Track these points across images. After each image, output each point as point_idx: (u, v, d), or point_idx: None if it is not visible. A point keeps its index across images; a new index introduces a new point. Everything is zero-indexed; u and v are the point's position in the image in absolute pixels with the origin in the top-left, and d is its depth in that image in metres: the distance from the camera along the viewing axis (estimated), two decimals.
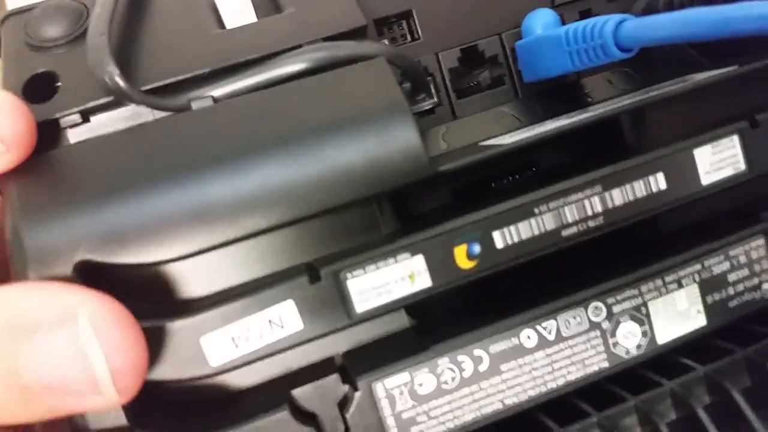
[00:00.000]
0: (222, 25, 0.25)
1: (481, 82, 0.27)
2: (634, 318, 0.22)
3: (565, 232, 0.21)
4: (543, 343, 0.21)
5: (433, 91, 0.27)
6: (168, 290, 0.20)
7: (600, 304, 0.22)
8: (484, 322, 0.21)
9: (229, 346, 0.20)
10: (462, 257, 0.21)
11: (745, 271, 0.23)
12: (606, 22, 0.22)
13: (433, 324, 0.22)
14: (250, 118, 0.21)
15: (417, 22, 0.27)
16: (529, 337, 0.21)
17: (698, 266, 0.22)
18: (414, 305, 0.21)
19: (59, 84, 0.23)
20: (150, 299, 0.20)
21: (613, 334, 0.22)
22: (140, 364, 0.18)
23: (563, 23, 0.27)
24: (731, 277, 0.23)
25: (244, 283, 0.21)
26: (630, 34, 0.22)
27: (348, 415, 0.20)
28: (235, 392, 0.21)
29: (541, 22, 0.26)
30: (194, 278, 0.21)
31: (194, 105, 0.22)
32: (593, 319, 0.22)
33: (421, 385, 0.21)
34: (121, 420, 0.19)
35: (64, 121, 0.22)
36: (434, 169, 0.21)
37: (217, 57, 0.23)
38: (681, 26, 0.20)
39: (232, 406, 0.21)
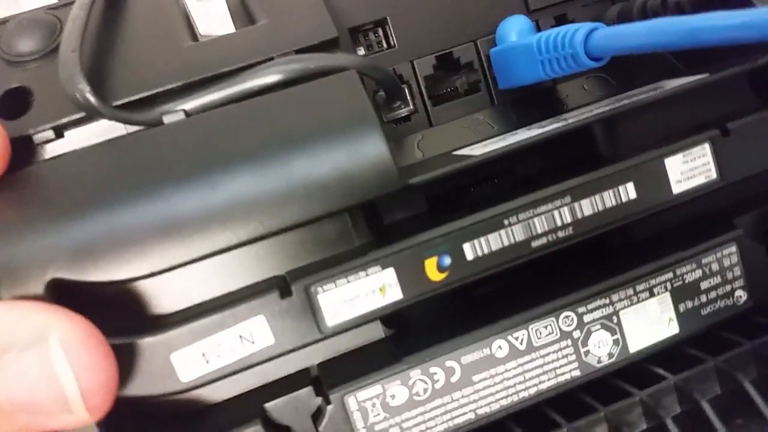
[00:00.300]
0: (195, 37, 0.25)
1: (458, 87, 0.28)
2: (605, 327, 0.22)
3: (535, 243, 0.22)
4: (514, 353, 0.22)
5: (408, 98, 0.27)
6: (139, 306, 0.21)
7: (571, 314, 0.22)
8: (456, 333, 0.22)
9: (200, 362, 0.20)
10: (433, 269, 0.21)
11: (718, 279, 0.23)
12: (576, 32, 0.23)
13: (408, 333, 0.23)
14: (221, 134, 0.21)
15: (392, 29, 0.27)
16: (500, 347, 0.22)
17: (670, 274, 0.23)
18: (389, 314, 0.22)
19: (33, 99, 0.23)
20: (121, 315, 0.21)
21: (585, 343, 0.22)
22: (110, 383, 0.18)
23: (538, 29, 0.28)
24: (704, 285, 0.23)
25: (216, 297, 0.21)
26: (600, 44, 0.22)
27: (321, 428, 0.21)
28: (209, 406, 0.21)
29: (515, 28, 0.26)
30: (165, 294, 0.21)
31: (166, 119, 0.22)
32: (564, 328, 0.22)
33: (393, 397, 0.21)
34: None
35: (38, 138, 0.22)
36: (404, 182, 0.21)
37: (188, 70, 0.23)
38: (650, 36, 0.21)
39: (206, 420, 0.21)
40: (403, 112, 0.27)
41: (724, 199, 0.24)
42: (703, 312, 0.23)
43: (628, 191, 0.22)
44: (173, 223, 0.20)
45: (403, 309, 0.22)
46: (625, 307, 0.23)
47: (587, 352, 0.22)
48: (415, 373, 0.21)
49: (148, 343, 0.20)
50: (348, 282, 0.21)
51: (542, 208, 0.22)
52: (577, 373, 0.22)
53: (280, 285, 0.21)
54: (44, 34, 0.25)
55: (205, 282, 0.21)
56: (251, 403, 0.21)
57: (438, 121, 0.27)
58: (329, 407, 0.21)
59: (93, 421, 0.18)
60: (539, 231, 0.22)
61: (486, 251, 0.22)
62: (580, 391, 0.22)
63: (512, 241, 0.22)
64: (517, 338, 0.22)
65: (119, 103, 0.22)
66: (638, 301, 0.23)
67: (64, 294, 0.19)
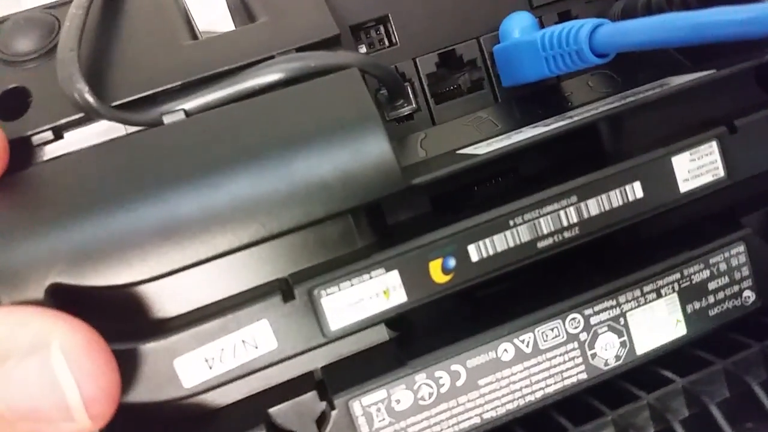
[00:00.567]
0: (194, 36, 0.25)
1: (461, 85, 0.27)
2: (612, 329, 0.22)
3: (540, 244, 0.22)
4: (520, 356, 0.22)
5: (411, 96, 0.27)
6: (141, 310, 0.21)
7: (577, 316, 0.22)
8: (461, 336, 0.22)
9: (203, 368, 0.20)
10: (437, 271, 0.21)
11: (726, 279, 0.23)
12: (581, 28, 0.23)
13: (413, 335, 0.23)
14: (221, 135, 0.21)
15: (393, 27, 0.27)
16: (506, 350, 0.22)
17: (677, 275, 0.23)
18: (394, 316, 0.22)
19: (31, 99, 0.23)
20: (123, 320, 0.21)
21: (592, 346, 0.22)
22: (113, 390, 0.18)
23: (542, 25, 0.27)
24: (711, 285, 0.23)
25: (219, 301, 0.21)
26: (605, 40, 0.22)
27: None
28: (213, 410, 0.21)
29: (518, 25, 0.26)
30: (168, 297, 0.21)
31: (165, 119, 0.22)
32: (571, 330, 0.22)
33: (398, 401, 0.21)
34: None
35: (36, 139, 0.22)
36: (407, 183, 0.21)
37: (188, 69, 0.23)
38: (656, 32, 0.21)
39: (209, 425, 0.21)
40: (406, 110, 0.27)
41: (732, 196, 0.24)
42: (711, 313, 0.23)
43: (635, 190, 0.22)
44: (174, 226, 0.20)
45: (408, 311, 0.21)
46: (632, 309, 0.22)
47: (594, 355, 0.22)
48: (421, 378, 0.21)
49: (150, 348, 0.20)
50: (351, 285, 0.21)
51: (548, 209, 0.22)
52: (583, 376, 0.22)
53: (283, 288, 0.21)
54: (42, 34, 0.25)
55: (208, 284, 0.21)
56: (255, 407, 0.21)
57: (441, 120, 0.27)
58: (333, 412, 0.21)
59: (95, 429, 0.18)
60: (545, 231, 0.22)
61: (491, 252, 0.22)
62: (587, 394, 0.22)
63: (518, 242, 0.22)
64: (523, 341, 0.22)
65: (118, 103, 0.22)
66: (645, 303, 0.23)
67: (65, 299, 0.19)
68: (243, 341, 0.20)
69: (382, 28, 0.27)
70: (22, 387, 0.17)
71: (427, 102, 0.27)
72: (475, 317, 0.23)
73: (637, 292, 0.22)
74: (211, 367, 0.20)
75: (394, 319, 0.22)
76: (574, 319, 0.22)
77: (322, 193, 0.20)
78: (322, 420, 0.21)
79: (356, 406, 0.21)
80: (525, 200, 0.22)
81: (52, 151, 0.23)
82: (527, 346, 0.22)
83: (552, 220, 0.22)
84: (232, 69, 0.23)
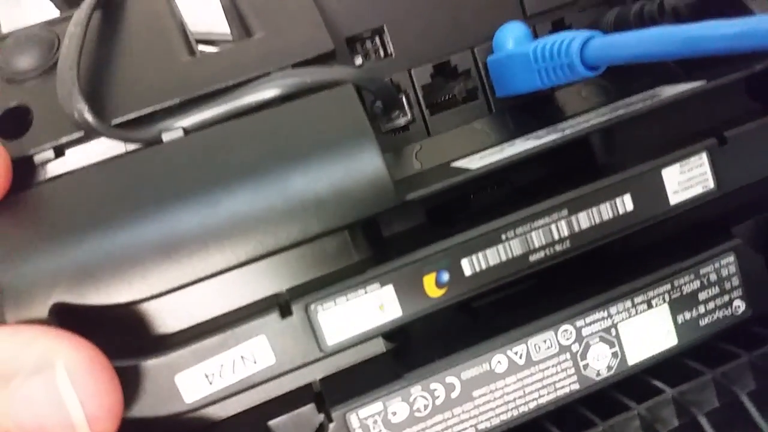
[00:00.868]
0: (192, 52, 0.25)
1: (456, 95, 0.28)
2: (604, 340, 0.23)
3: (532, 257, 0.22)
4: (514, 368, 0.22)
5: (406, 108, 0.27)
6: (142, 327, 0.22)
7: (569, 327, 0.23)
8: (456, 348, 0.22)
9: (204, 383, 0.20)
10: (431, 286, 0.22)
11: (716, 289, 0.24)
12: (572, 41, 0.23)
13: (409, 346, 0.23)
14: (219, 154, 0.22)
15: (389, 38, 0.27)
16: (500, 362, 0.22)
17: (668, 286, 0.23)
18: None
19: (32, 117, 0.23)
20: (125, 336, 0.21)
21: (584, 357, 0.23)
22: (116, 407, 0.19)
23: (536, 35, 0.28)
24: (702, 296, 0.23)
25: (218, 316, 0.22)
26: (596, 53, 0.23)
27: None
28: (213, 424, 0.22)
29: (512, 35, 0.26)
30: (169, 314, 0.22)
31: (164, 137, 0.22)
32: (563, 342, 0.22)
33: (394, 413, 0.22)
34: None
35: (38, 158, 0.23)
36: (401, 199, 0.21)
37: (186, 86, 0.23)
38: (648, 45, 0.21)
39: None
40: (401, 121, 0.27)
41: (722, 206, 0.24)
42: (702, 323, 0.24)
43: (625, 203, 0.23)
44: (174, 245, 0.20)
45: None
46: (623, 320, 0.23)
47: (586, 366, 0.23)
48: (416, 390, 0.22)
49: (152, 365, 0.20)
50: (347, 300, 0.21)
51: (539, 222, 0.22)
52: (576, 386, 0.23)
53: (281, 304, 0.21)
54: (43, 51, 0.25)
55: (208, 300, 0.22)
56: (255, 420, 0.22)
57: (436, 130, 0.27)
58: (331, 425, 0.21)
59: None
60: (537, 245, 0.22)
61: (484, 266, 0.22)
62: (579, 404, 0.23)
63: (510, 255, 0.22)
64: (516, 353, 0.22)
65: (118, 121, 0.23)
66: (636, 313, 0.23)
67: (69, 317, 0.20)
68: (242, 357, 0.21)
69: (377, 40, 0.28)
70: (28, 405, 0.18)
71: (422, 113, 0.27)
72: (470, 329, 0.24)
73: (628, 303, 0.23)
74: (211, 383, 0.21)
75: (390, 331, 0.22)
76: (566, 330, 0.23)
77: (317, 210, 0.21)
78: None
79: (353, 419, 0.21)
80: (516, 214, 0.22)
81: (53, 169, 0.23)
82: (520, 357, 0.22)
83: (543, 234, 0.22)
84: (230, 86, 0.23)
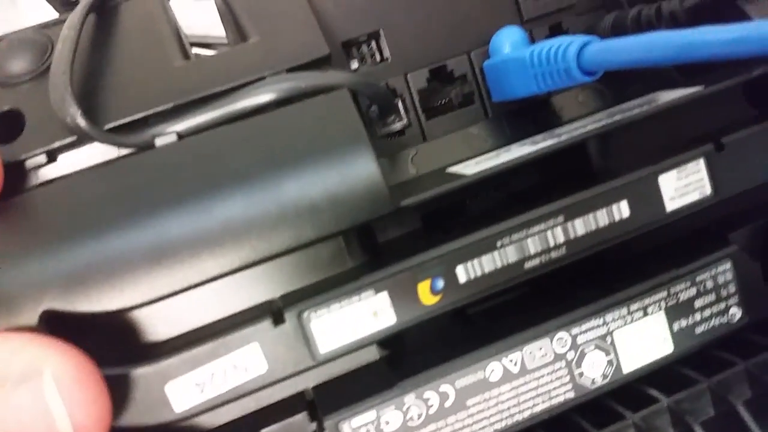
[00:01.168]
0: (186, 56, 0.25)
1: (452, 99, 0.27)
2: (599, 347, 0.22)
3: (528, 264, 0.22)
4: (508, 376, 0.22)
5: (402, 112, 0.27)
6: (133, 334, 0.21)
7: (564, 335, 0.22)
8: (450, 356, 0.22)
9: (194, 392, 0.20)
10: (426, 293, 0.21)
11: (712, 296, 0.23)
12: (569, 46, 0.22)
13: (403, 353, 0.23)
14: (212, 159, 0.21)
15: (385, 42, 0.27)
16: (494, 370, 0.22)
17: (664, 293, 0.23)
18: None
19: (24, 121, 0.23)
20: (115, 344, 0.21)
21: (579, 365, 0.22)
22: (104, 417, 0.18)
23: (533, 39, 0.27)
24: (698, 303, 0.23)
25: (210, 323, 0.21)
26: (593, 58, 0.22)
27: None
28: None
29: (508, 40, 0.26)
30: (160, 321, 0.21)
31: (158, 141, 0.22)
32: (558, 350, 0.22)
33: (387, 422, 0.21)
34: None
35: (30, 163, 0.22)
36: (396, 205, 0.21)
37: (180, 91, 0.23)
38: (645, 51, 0.20)
39: None
40: (397, 126, 0.27)
41: (720, 211, 0.24)
42: (698, 330, 0.23)
43: (621, 209, 0.22)
44: (167, 252, 0.20)
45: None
46: (619, 327, 0.23)
47: (581, 374, 0.22)
48: (410, 399, 0.21)
49: (142, 373, 0.20)
50: (341, 307, 0.21)
51: (535, 229, 0.22)
52: (571, 395, 0.22)
53: (273, 311, 0.21)
54: (36, 54, 0.25)
55: (200, 307, 0.22)
56: (247, 429, 0.21)
57: (432, 135, 0.27)
58: None
59: None
60: (532, 252, 0.22)
61: (479, 273, 0.22)
62: (574, 413, 0.22)
63: (505, 262, 0.22)
64: (511, 361, 0.22)
65: (111, 125, 0.22)
66: (632, 321, 0.23)
67: (58, 324, 0.19)
68: (234, 365, 0.20)
69: (373, 44, 0.27)
70: (15, 414, 0.18)
71: (418, 117, 0.27)
72: (465, 336, 0.23)
73: (624, 311, 0.23)
74: (202, 391, 0.20)
75: (384, 338, 0.22)
76: (561, 338, 0.22)
77: (311, 216, 0.21)
78: None
79: (346, 428, 0.21)
80: (512, 221, 0.22)
81: (45, 174, 0.23)
82: (515, 365, 0.22)
83: (539, 240, 0.22)
84: (224, 90, 0.23)
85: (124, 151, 0.23)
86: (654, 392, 0.22)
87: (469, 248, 0.22)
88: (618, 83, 0.27)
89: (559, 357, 0.22)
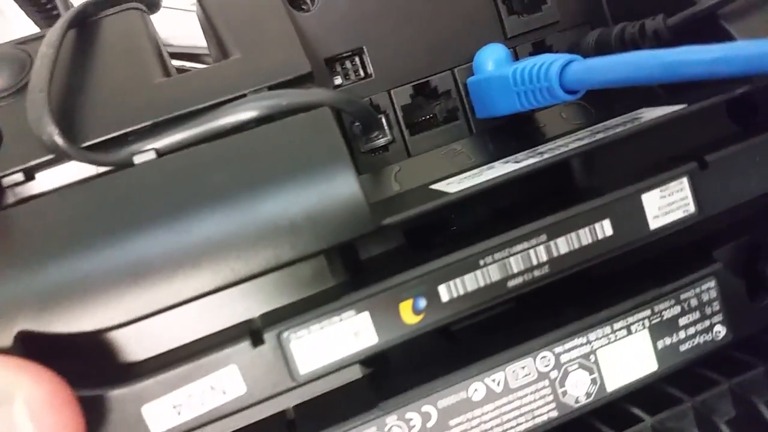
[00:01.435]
0: (167, 72, 0.25)
1: (437, 114, 0.27)
2: (583, 366, 0.22)
3: (510, 283, 0.22)
4: (491, 396, 0.22)
5: (386, 128, 0.26)
6: (110, 355, 0.21)
7: (548, 354, 0.22)
8: (433, 375, 0.22)
9: (171, 414, 0.20)
10: (408, 312, 0.21)
11: (696, 314, 0.23)
12: (551, 65, 0.22)
13: (385, 371, 0.23)
14: (191, 178, 0.21)
15: (368, 59, 0.27)
16: (477, 390, 0.22)
17: (648, 311, 0.23)
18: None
19: (2, 139, 0.22)
20: (91, 365, 0.20)
21: (562, 384, 0.22)
22: None
23: (516, 56, 0.27)
24: (682, 321, 0.23)
25: (189, 343, 0.21)
26: (575, 77, 0.22)
27: None
28: None
29: (491, 57, 0.26)
30: (137, 341, 0.21)
31: (136, 159, 0.22)
32: (541, 369, 0.22)
33: None
34: None
35: (7, 180, 0.22)
36: (377, 224, 0.21)
37: (159, 108, 0.23)
38: (626, 70, 0.20)
39: None
40: (381, 141, 0.27)
41: (703, 229, 0.24)
42: (682, 348, 0.23)
43: (605, 228, 0.22)
44: (144, 272, 0.20)
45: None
46: (602, 346, 0.22)
47: (565, 392, 0.22)
48: (391, 419, 0.21)
49: (118, 395, 0.20)
50: (321, 328, 0.21)
51: (518, 248, 0.22)
52: (554, 414, 0.22)
53: (252, 332, 0.20)
54: (14, 71, 0.24)
55: (178, 327, 0.21)
56: None
57: (416, 151, 0.27)
58: None
59: None
60: (515, 270, 0.22)
61: (461, 292, 0.21)
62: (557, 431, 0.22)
63: (488, 281, 0.21)
64: (494, 380, 0.22)
65: (89, 143, 0.22)
66: (616, 339, 0.22)
67: (33, 345, 0.19)
68: (211, 387, 0.20)
69: (357, 60, 0.27)
70: None
71: (402, 133, 0.27)
72: (448, 354, 0.23)
73: (608, 329, 0.22)
74: (179, 414, 0.20)
75: (366, 358, 0.22)
76: (544, 357, 0.22)
77: (291, 236, 0.20)
78: None
79: None
80: (494, 240, 0.21)
81: (22, 192, 0.22)
82: (498, 385, 0.22)
83: (522, 259, 0.22)
84: (204, 108, 0.23)
85: (103, 169, 0.22)
86: (638, 411, 0.22)
87: (452, 267, 0.21)
88: (602, 99, 0.27)
89: (542, 376, 0.22)
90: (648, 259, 0.24)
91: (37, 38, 0.25)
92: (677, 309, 0.23)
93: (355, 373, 0.22)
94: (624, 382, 0.22)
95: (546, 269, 0.22)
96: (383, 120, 0.27)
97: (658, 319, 0.23)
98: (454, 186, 0.23)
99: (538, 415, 0.22)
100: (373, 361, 0.22)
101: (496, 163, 0.24)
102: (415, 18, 0.27)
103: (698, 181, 0.23)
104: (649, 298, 0.23)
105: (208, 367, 0.20)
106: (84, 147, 0.22)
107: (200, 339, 0.21)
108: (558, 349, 0.22)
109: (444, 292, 0.21)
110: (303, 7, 0.27)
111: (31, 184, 0.23)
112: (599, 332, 0.22)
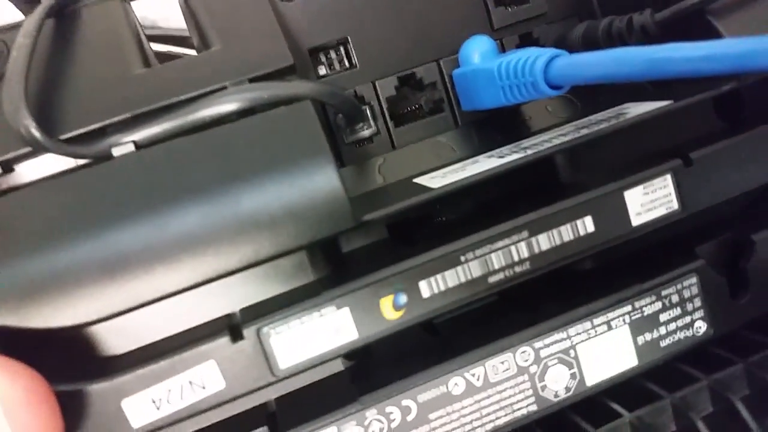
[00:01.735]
0: (147, 63, 0.24)
1: (423, 105, 0.27)
2: (562, 361, 0.22)
3: (491, 279, 0.22)
4: (471, 390, 0.22)
5: (370, 120, 0.26)
6: (89, 349, 0.21)
7: (528, 349, 0.22)
8: (413, 369, 0.22)
9: (151, 409, 0.20)
10: (388, 308, 0.21)
11: (678, 311, 0.23)
12: (536, 60, 0.22)
13: (367, 364, 0.23)
14: (169, 172, 0.21)
15: (353, 49, 0.26)
16: (457, 384, 0.22)
17: (629, 307, 0.23)
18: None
19: None
20: (71, 359, 0.21)
21: (542, 378, 0.22)
22: None
23: (502, 48, 0.27)
24: (663, 317, 0.23)
25: (169, 337, 0.21)
26: (560, 73, 0.22)
27: None
28: None
29: (478, 49, 0.26)
30: (116, 335, 0.21)
31: (115, 151, 0.22)
32: (521, 363, 0.22)
33: None
34: None
35: None
36: (358, 220, 0.21)
37: (139, 100, 0.23)
38: (612, 67, 0.20)
39: None
40: (366, 133, 0.27)
41: (686, 225, 0.24)
42: (663, 344, 0.23)
43: (586, 225, 0.22)
44: (122, 267, 0.20)
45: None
46: (582, 341, 0.23)
47: (544, 387, 0.22)
48: (371, 413, 0.21)
49: (97, 389, 0.20)
50: (302, 323, 0.21)
51: (499, 244, 0.22)
52: (533, 408, 0.22)
53: (232, 327, 0.20)
54: None
55: (158, 320, 0.21)
56: None
57: (401, 142, 0.27)
58: None
59: None
60: (496, 267, 0.22)
61: (442, 288, 0.22)
62: (537, 426, 0.22)
63: (469, 277, 0.22)
64: (474, 375, 0.22)
65: (67, 136, 0.22)
66: (596, 335, 0.23)
67: (11, 340, 0.19)
68: (190, 382, 0.20)
69: (342, 50, 0.27)
70: None
71: (387, 125, 0.27)
72: (429, 347, 0.23)
73: (588, 325, 0.23)
74: (158, 408, 0.20)
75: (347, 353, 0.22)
76: (524, 352, 0.22)
77: (271, 231, 0.20)
78: None
79: None
80: (476, 236, 0.22)
81: (0, 184, 0.22)
82: (478, 379, 0.22)
83: (503, 255, 0.22)
84: (183, 100, 0.23)
85: (82, 162, 0.22)
86: (617, 407, 0.22)
87: (433, 263, 0.21)
88: (588, 93, 0.27)
89: (522, 370, 0.22)
90: (630, 254, 0.24)
91: (13, 27, 0.25)
92: (658, 305, 0.23)
93: (338, 365, 0.23)
94: (603, 377, 0.23)
95: (527, 265, 0.22)
96: (368, 111, 0.26)
97: (639, 315, 0.23)
98: (437, 180, 0.23)
99: (518, 409, 0.22)
100: (354, 353, 0.23)
101: (480, 157, 0.24)
102: (400, 8, 0.27)
103: (682, 178, 0.23)
104: (630, 294, 0.23)
105: (187, 362, 0.20)
106: (62, 139, 0.22)
107: (181, 333, 0.21)
108: (538, 344, 0.22)
109: (425, 288, 0.21)
110: None
111: (9, 176, 0.23)
112: (579, 327, 0.22)
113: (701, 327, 0.24)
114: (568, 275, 0.24)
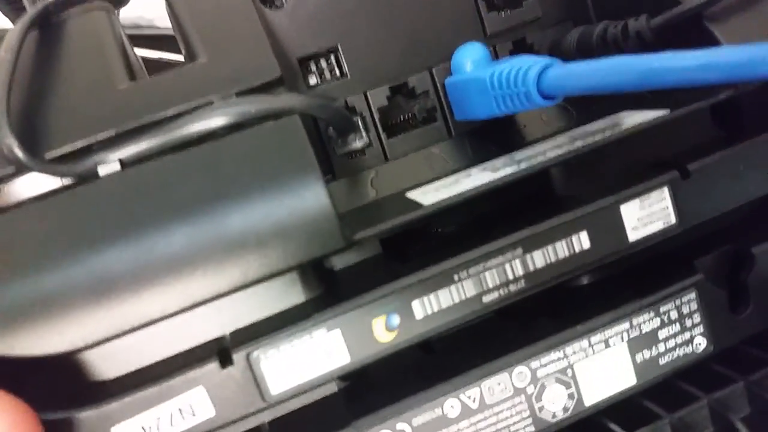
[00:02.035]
0: (133, 76, 0.24)
1: (416, 114, 0.27)
2: (559, 381, 0.22)
3: (486, 299, 0.22)
4: (467, 412, 0.22)
5: (362, 131, 0.26)
6: (77, 374, 0.21)
7: (524, 369, 0.22)
8: (408, 391, 0.22)
9: None
10: (381, 329, 0.21)
11: (677, 327, 0.23)
12: (529, 70, 0.22)
13: (361, 386, 0.23)
14: (156, 193, 0.20)
15: (343, 58, 0.26)
16: (452, 406, 0.22)
17: (626, 324, 0.23)
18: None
19: None
20: (58, 386, 0.20)
21: (539, 399, 0.22)
22: None
23: (496, 55, 0.27)
24: (662, 334, 0.23)
25: (158, 362, 0.21)
26: (553, 83, 0.22)
27: None
28: None
29: (470, 57, 0.25)
30: (104, 360, 0.21)
31: (101, 170, 0.21)
32: (518, 384, 0.22)
33: None
34: None
35: None
36: (348, 240, 0.20)
37: (124, 116, 0.22)
38: (606, 77, 0.20)
39: None
40: (358, 145, 0.26)
41: (684, 238, 0.24)
42: (662, 361, 0.23)
43: (582, 241, 0.22)
44: (109, 293, 0.19)
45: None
46: (579, 360, 0.22)
47: (541, 408, 0.22)
48: None
49: (85, 417, 0.20)
50: (292, 346, 0.21)
51: (493, 262, 0.21)
52: (531, 429, 0.22)
53: (221, 352, 0.20)
54: None
55: (147, 345, 0.21)
56: None
57: (393, 153, 0.26)
58: None
59: None
60: (490, 285, 0.22)
61: (436, 309, 0.21)
62: None
63: (463, 297, 0.21)
64: (469, 396, 0.22)
65: (52, 155, 0.22)
66: (594, 353, 0.22)
67: None
68: (180, 409, 0.20)
69: (332, 59, 0.27)
70: None
71: (379, 136, 0.26)
72: (424, 366, 0.23)
73: (585, 343, 0.22)
74: None
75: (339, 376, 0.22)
76: (521, 372, 0.22)
77: (259, 253, 0.20)
78: None
79: None
80: (469, 254, 0.21)
81: None
82: (474, 401, 0.22)
83: (497, 274, 0.22)
84: (168, 117, 0.22)
85: (67, 181, 0.22)
86: (615, 427, 0.22)
87: (426, 283, 0.21)
88: (583, 101, 0.27)
89: (518, 391, 0.22)
90: (627, 269, 0.24)
91: None
92: (657, 321, 0.23)
93: (332, 387, 0.22)
94: (602, 396, 0.23)
95: (522, 283, 0.22)
96: (359, 122, 0.26)
97: (637, 333, 0.23)
98: (430, 196, 0.22)
99: (515, 431, 0.22)
100: (350, 374, 0.22)
101: (473, 170, 0.24)
102: (391, 15, 0.26)
103: (680, 190, 0.23)
104: (628, 311, 0.23)
105: (176, 389, 0.20)
106: (46, 158, 0.22)
107: (170, 358, 0.21)
108: (534, 364, 0.22)
109: (418, 309, 0.21)
110: (275, 3, 0.26)
111: None
112: (576, 346, 0.22)
113: (701, 343, 0.23)
114: (564, 291, 0.24)
